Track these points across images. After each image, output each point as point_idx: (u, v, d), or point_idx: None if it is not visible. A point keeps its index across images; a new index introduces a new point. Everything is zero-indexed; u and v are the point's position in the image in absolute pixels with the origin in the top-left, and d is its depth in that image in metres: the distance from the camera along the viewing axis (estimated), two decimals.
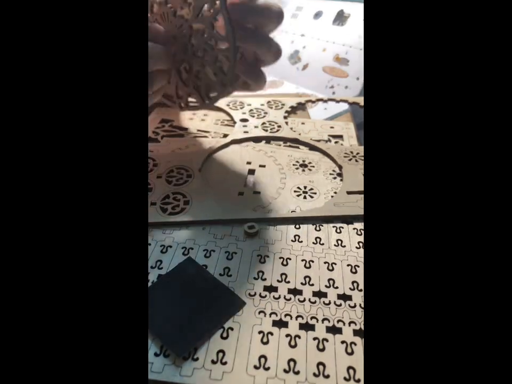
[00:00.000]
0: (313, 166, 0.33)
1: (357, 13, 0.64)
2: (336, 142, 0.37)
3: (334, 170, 0.32)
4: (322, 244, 0.24)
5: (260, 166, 0.33)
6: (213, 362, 0.17)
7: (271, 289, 0.21)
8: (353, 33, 0.62)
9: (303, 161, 0.34)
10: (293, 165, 0.33)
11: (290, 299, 0.21)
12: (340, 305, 0.20)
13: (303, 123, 0.41)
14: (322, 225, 0.26)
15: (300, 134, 0.38)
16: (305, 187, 0.30)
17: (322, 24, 0.66)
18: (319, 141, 0.37)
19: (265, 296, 0.21)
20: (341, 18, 0.65)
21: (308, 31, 0.67)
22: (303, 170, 0.32)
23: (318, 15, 0.68)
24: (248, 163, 0.33)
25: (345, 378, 0.17)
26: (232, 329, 0.19)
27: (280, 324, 0.19)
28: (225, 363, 0.17)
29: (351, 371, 0.17)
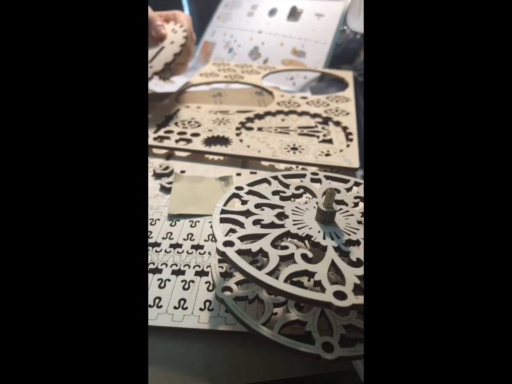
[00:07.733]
0: (303, 149, 0.36)
1: (308, 8, 0.68)
2: None
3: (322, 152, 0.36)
4: None
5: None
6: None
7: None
8: (307, 27, 0.67)
9: (294, 144, 0.37)
10: (284, 148, 0.36)
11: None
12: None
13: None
14: None
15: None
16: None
17: (278, 20, 0.70)
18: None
19: None
20: (294, 14, 0.69)
21: (265, 27, 0.71)
22: (294, 153, 0.36)
23: (272, 12, 0.71)
24: (248, 146, 0.37)
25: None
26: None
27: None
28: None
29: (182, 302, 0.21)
